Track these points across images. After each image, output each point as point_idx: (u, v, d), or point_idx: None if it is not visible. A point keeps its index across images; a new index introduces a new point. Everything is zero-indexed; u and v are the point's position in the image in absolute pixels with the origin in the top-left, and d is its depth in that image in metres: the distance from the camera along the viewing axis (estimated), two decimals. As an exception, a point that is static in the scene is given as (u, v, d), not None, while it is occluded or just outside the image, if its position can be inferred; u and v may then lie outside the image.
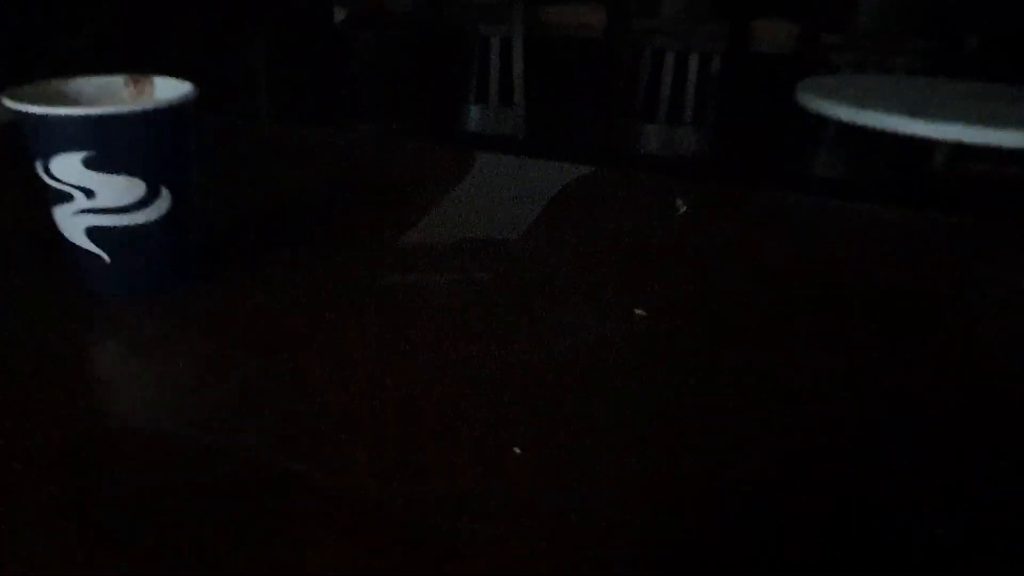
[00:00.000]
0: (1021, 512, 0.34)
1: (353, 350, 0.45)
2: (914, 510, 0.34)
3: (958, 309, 0.53)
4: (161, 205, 0.48)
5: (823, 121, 2.25)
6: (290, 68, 2.92)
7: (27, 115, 0.44)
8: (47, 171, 0.45)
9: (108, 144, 0.45)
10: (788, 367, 0.45)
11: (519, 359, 0.44)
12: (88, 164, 0.45)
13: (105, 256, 0.48)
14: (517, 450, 0.37)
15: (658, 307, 0.51)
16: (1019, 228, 0.67)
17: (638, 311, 0.50)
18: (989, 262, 0.62)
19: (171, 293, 0.50)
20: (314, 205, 0.68)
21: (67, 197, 0.46)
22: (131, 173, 0.46)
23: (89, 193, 0.46)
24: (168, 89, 0.50)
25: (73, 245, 0.48)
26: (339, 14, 3.08)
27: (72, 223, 0.47)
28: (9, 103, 0.44)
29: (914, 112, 1.74)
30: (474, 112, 2.87)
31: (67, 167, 0.45)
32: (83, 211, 0.46)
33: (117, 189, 0.46)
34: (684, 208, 0.70)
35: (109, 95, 0.51)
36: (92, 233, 0.47)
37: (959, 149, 2.03)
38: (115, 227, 0.47)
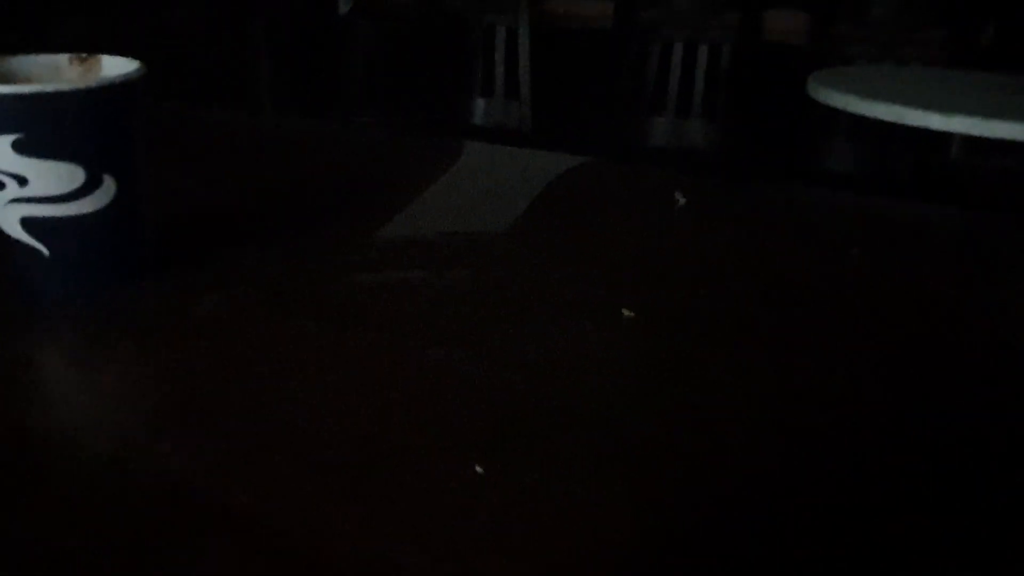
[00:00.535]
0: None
1: (306, 362, 0.40)
2: (916, 516, 0.30)
3: (967, 304, 0.48)
4: (103, 195, 0.43)
5: (836, 114, 2.20)
6: (294, 59, 2.89)
7: (-51, 94, 0.40)
8: (-26, 155, 0.41)
9: (40, 126, 0.40)
10: (787, 368, 0.40)
11: (487, 366, 0.40)
12: (18, 148, 0.41)
13: (44, 250, 0.44)
14: (479, 469, 0.32)
15: (649, 307, 0.46)
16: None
17: (626, 312, 0.46)
18: (998, 255, 0.57)
19: (116, 293, 0.46)
20: (288, 199, 0.64)
21: (-2, 185, 0.42)
22: (68, 158, 0.42)
23: (22, 180, 0.42)
24: (115, 68, 0.46)
25: (10, 239, 0.44)
26: (344, 5, 3.04)
27: (5, 213, 0.43)
28: (-69, 81, 0.40)
29: (928, 104, 1.68)
30: (479, 105, 2.82)
31: (-4, 151, 0.41)
32: (16, 200, 0.42)
33: (53, 176, 0.42)
34: (683, 201, 0.65)
35: (52, 74, 0.47)
36: (28, 224, 0.43)
37: (974, 142, 1.97)
38: (53, 217, 0.43)
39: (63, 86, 0.41)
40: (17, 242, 0.44)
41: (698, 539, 0.29)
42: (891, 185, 2.28)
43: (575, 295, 0.48)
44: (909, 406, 0.38)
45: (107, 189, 0.44)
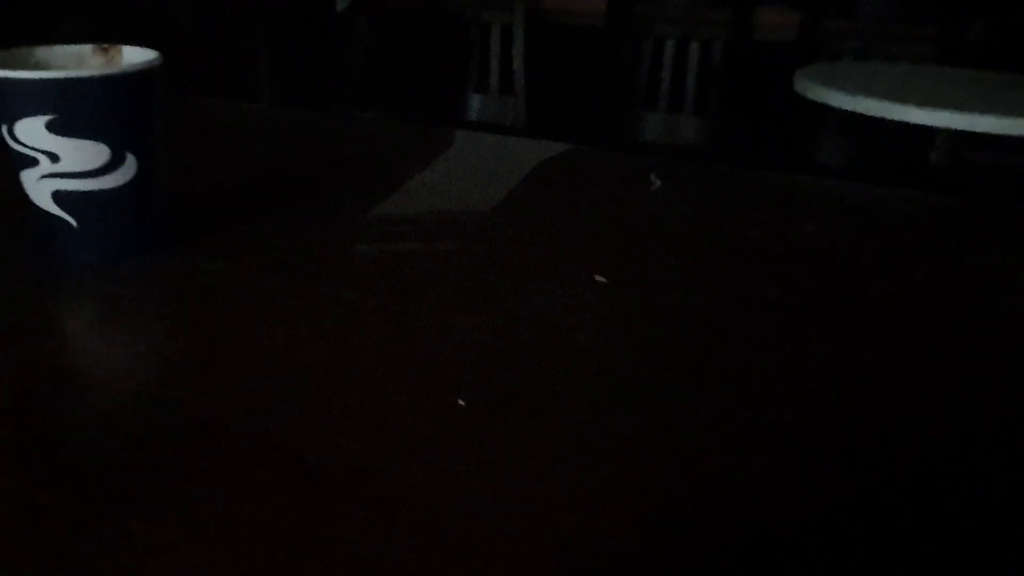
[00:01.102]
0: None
1: (311, 311, 0.45)
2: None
3: (932, 287, 0.53)
4: (127, 171, 0.48)
5: (825, 110, 2.25)
6: (292, 56, 2.93)
7: (-9, 79, 0.45)
8: (12, 135, 0.46)
9: (71, 108, 0.45)
10: (740, 321, 0.45)
11: (471, 320, 0.45)
12: (52, 128, 0.45)
13: (72, 221, 0.49)
14: (461, 402, 0.37)
15: (620, 275, 0.51)
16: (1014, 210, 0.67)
17: (599, 278, 0.51)
18: (964, 239, 0.62)
19: (136, 260, 0.51)
20: (290, 181, 0.69)
21: (32, 161, 0.47)
22: (95, 138, 0.46)
23: (54, 157, 0.46)
24: (135, 57, 0.51)
25: (41, 211, 0.49)
26: (341, 2, 3.08)
27: (38, 187, 0.48)
28: (-26, 68, 0.45)
29: (911, 99, 1.73)
30: (475, 101, 2.87)
31: (31, 131, 0.45)
32: (48, 175, 0.47)
33: (81, 153, 0.47)
34: (658, 184, 0.70)
35: (77, 62, 0.51)
36: (58, 197, 0.48)
37: (961, 138, 2.02)
38: (81, 191, 0.48)
39: (94, 72, 0.46)
40: (48, 214, 0.49)
41: (660, 464, 0.34)
42: (878, 180, 2.32)
43: (554, 263, 0.53)
44: (861, 360, 0.43)
45: (129, 166, 0.48)
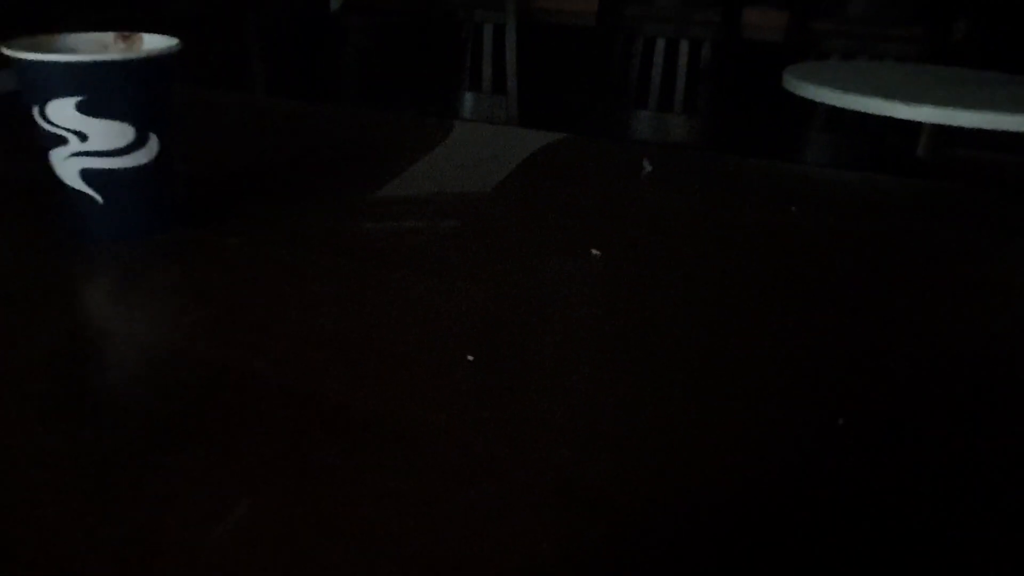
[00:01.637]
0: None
1: (327, 277, 0.49)
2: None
3: (908, 264, 0.57)
4: (150, 150, 0.51)
5: (813, 108, 2.29)
6: (286, 55, 2.95)
7: (26, 62, 0.48)
8: (43, 115, 0.49)
9: (99, 89, 0.48)
10: (721, 290, 0.49)
11: (475, 288, 0.48)
12: (81, 108, 0.48)
13: (98, 197, 0.52)
14: (470, 357, 0.40)
15: (613, 250, 0.54)
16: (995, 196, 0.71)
17: (594, 251, 0.54)
18: (942, 219, 0.66)
19: (158, 235, 0.54)
20: (297, 166, 0.72)
21: (62, 140, 0.50)
22: (121, 118, 0.50)
23: (82, 136, 0.49)
24: (154, 44, 0.54)
25: (68, 188, 0.52)
26: (335, 2, 3.11)
27: (66, 165, 0.51)
28: (9, 52, 0.48)
29: (895, 95, 1.77)
30: (467, 100, 2.90)
31: (62, 111, 0.48)
32: (77, 154, 0.50)
33: (109, 133, 0.50)
34: (649, 168, 0.73)
35: (100, 49, 0.54)
36: (86, 175, 0.51)
37: (947, 135, 2.07)
38: (107, 169, 0.51)
39: (121, 56, 0.49)
40: (75, 191, 0.52)
41: (652, 406, 0.38)
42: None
43: (551, 239, 0.56)
44: (842, 330, 0.46)
45: (152, 146, 0.51)
